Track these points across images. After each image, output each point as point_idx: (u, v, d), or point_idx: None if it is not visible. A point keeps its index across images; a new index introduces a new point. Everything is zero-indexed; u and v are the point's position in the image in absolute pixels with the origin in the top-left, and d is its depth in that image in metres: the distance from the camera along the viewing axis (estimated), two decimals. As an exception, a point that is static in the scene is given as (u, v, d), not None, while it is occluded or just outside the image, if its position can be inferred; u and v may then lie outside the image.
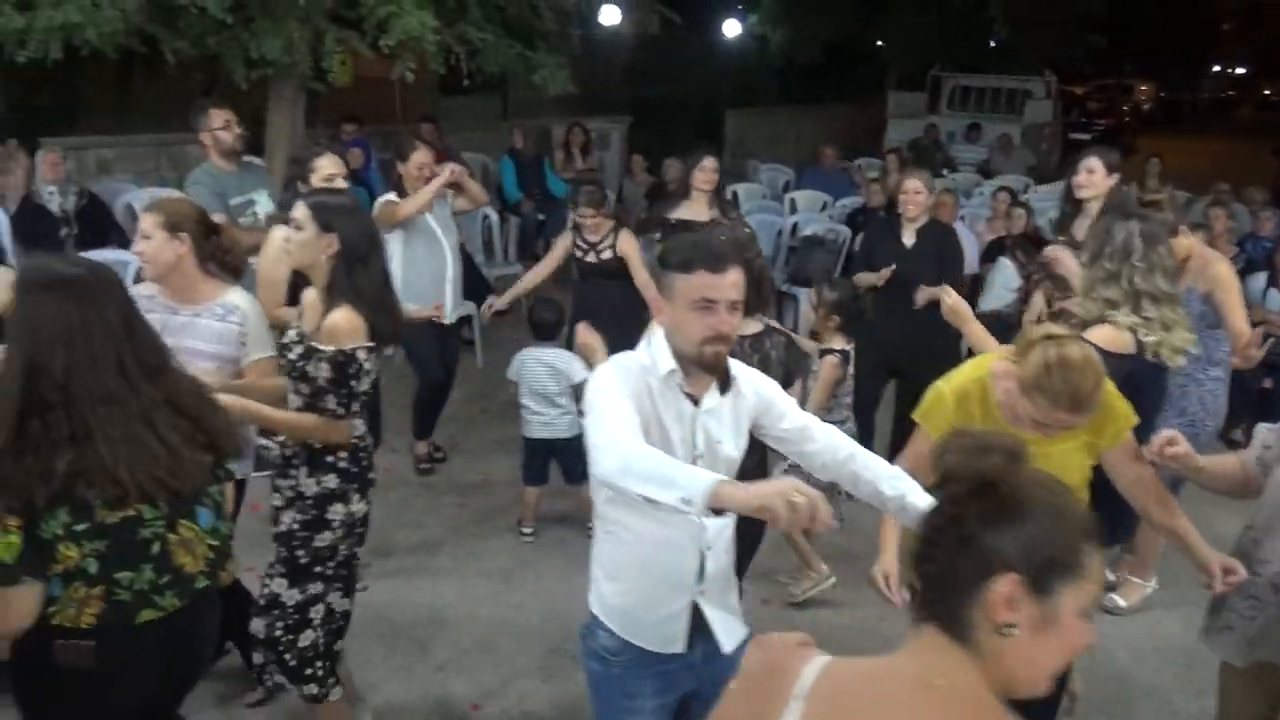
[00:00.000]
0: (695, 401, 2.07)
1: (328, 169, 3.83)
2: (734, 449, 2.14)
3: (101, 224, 6.10)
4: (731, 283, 1.98)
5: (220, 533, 2.12)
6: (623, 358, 2.11)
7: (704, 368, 2.03)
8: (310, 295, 2.65)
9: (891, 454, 2.95)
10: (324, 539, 2.62)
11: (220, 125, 4.42)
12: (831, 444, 2.17)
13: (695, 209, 4.93)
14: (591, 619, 2.21)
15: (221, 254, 2.98)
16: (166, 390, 1.96)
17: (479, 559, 4.27)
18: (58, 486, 1.80)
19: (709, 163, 4.98)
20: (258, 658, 2.80)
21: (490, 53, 6.13)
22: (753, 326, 2.83)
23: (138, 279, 3.33)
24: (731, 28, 13.69)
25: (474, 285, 6.48)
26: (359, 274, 2.54)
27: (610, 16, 9.87)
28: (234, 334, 2.88)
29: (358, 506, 2.67)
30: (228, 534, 2.19)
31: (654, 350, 2.05)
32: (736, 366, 2.16)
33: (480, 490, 4.91)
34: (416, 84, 11.62)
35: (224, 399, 2.24)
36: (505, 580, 4.09)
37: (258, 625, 2.68)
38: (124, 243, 6.10)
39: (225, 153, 4.44)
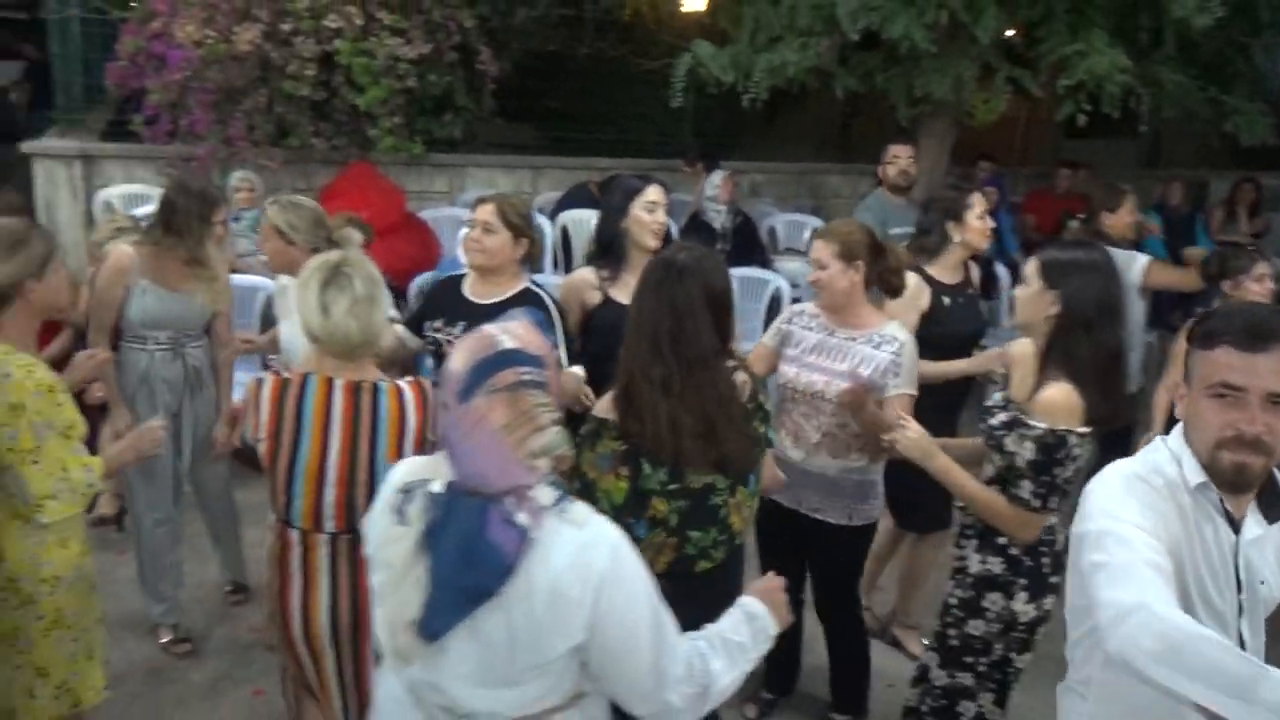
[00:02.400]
0: (1235, 526, 1.54)
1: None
2: (1276, 588, 1.60)
3: (751, 242, 6.64)
4: (1277, 369, 1.43)
5: (755, 493, 2.41)
6: (1141, 463, 1.62)
7: (1220, 481, 1.51)
8: (1020, 347, 2.44)
9: None
10: (976, 627, 2.40)
11: (890, 159, 4.70)
12: None
13: None
14: None
15: (888, 275, 2.96)
16: (694, 382, 2.18)
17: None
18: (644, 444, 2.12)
19: None
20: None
21: (1176, 95, 5.43)
22: None
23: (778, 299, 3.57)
24: None
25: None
26: (1079, 342, 2.21)
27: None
28: (886, 362, 2.82)
29: (1022, 607, 2.36)
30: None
31: (1178, 450, 1.57)
32: None
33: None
34: (1038, 124, 11.06)
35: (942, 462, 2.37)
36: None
37: (911, 693, 2.57)
38: (765, 262, 6.62)
39: (895, 186, 4.73)
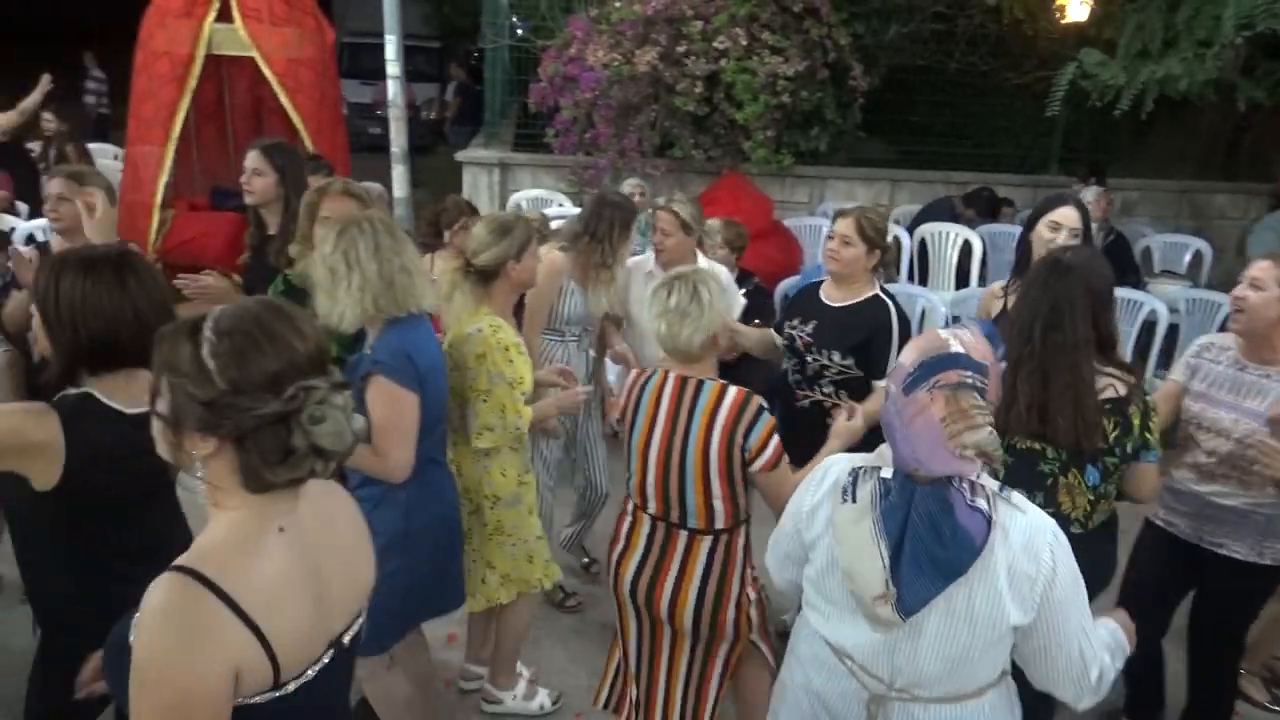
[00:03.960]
0: None
1: None
2: None
3: (1123, 263, 6.35)
4: None
5: (1099, 491, 2.49)
6: None
7: None
8: None
9: None
10: None
11: None
12: None
13: None
14: None
15: None
16: (1050, 366, 2.40)
17: None
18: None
19: None
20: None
21: None
22: None
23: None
24: None
25: None
26: None
27: None
28: None
29: None
30: (1104, 494, 2.51)
31: None
32: None
33: None
34: None
35: None
36: None
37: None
38: (1138, 284, 6.29)
39: None
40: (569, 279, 3.72)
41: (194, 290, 3.27)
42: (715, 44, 6.57)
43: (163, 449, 1.37)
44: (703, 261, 3.78)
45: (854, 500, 1.72)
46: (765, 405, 2.45)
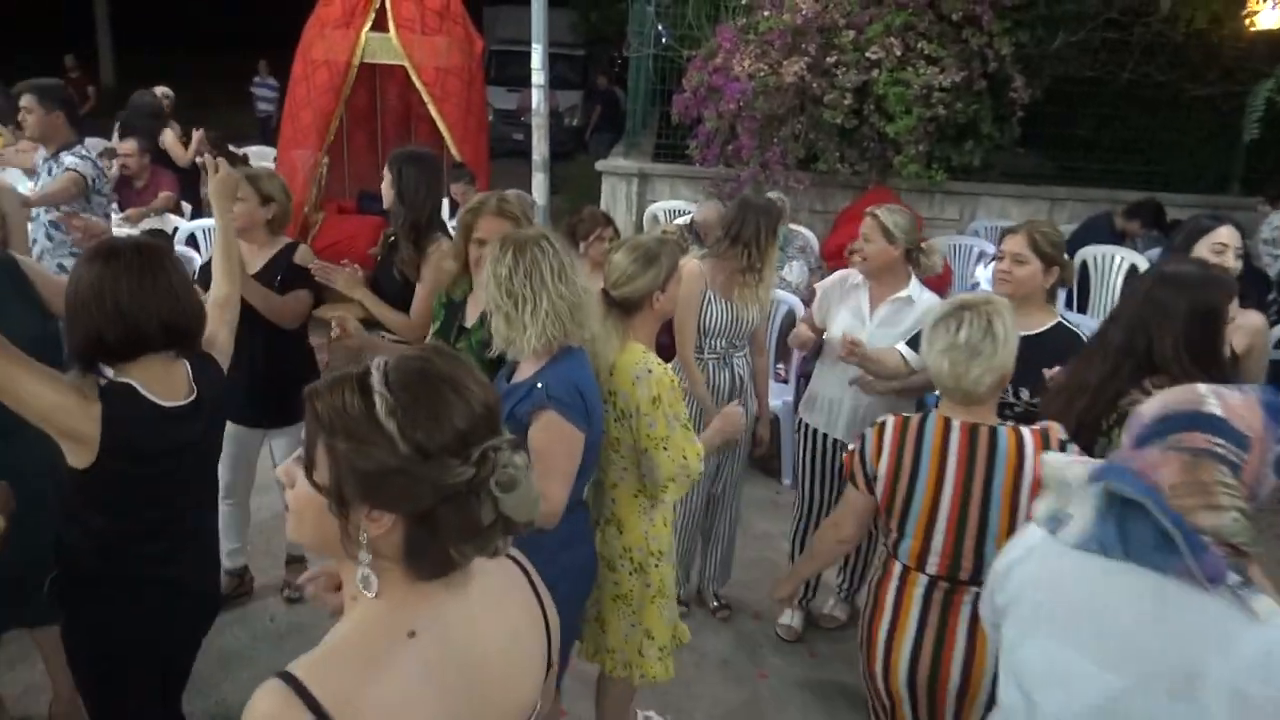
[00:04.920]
0: None
1: None
2: None
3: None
4: None
5: None
6: None
7: None
8: None
9: None
10: None
11: None
12: None
13: None
14: None
15: None
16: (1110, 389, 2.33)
17: None
18: None
19: None
20: None
21: None
22: None
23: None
24: None
25: None
26: None
27: None
28: None
29: None
30: None
31: None
32: None
33: None
34: None
35: None
36: None
37: None
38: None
39: None
40: (708, 288, 3.55)
41: (324, 277, 3.37)
42: (868, 54, 6.31)
43: (307, 531, 1.16)
44: (914, 284, 3.49)
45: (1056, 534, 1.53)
46: (1066, 438, 2.23)
